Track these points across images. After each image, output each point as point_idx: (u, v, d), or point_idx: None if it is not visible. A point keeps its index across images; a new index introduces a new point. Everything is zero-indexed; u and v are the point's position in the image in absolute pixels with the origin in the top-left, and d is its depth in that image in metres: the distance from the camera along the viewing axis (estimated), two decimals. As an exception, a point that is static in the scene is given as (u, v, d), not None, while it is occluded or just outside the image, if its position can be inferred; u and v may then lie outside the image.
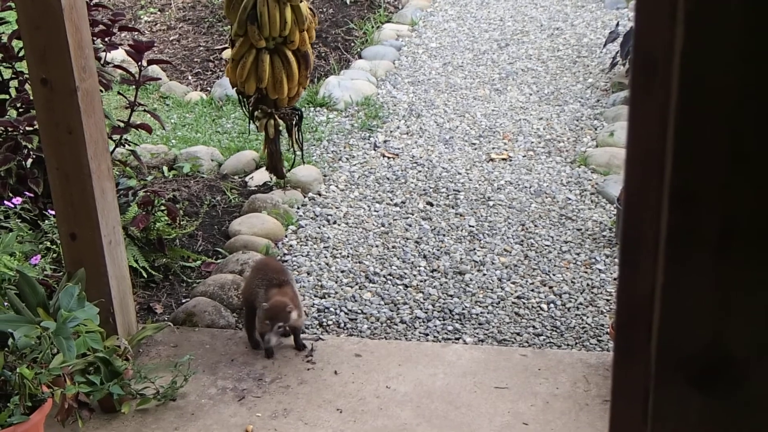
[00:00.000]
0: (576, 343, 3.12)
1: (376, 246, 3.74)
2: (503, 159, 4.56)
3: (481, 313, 3.30)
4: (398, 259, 3.65)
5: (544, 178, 4.34)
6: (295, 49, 3.60)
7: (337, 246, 3.74)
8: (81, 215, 2.70)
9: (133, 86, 3.54)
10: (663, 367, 0.72)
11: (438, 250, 3.71)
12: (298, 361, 2.95)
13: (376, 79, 5.62)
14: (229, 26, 3.68)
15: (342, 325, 3.24)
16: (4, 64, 3.37)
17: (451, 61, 5.96)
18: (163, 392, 2.72)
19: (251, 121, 3.85)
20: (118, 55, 4.77)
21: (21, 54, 3.15)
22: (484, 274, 3.54)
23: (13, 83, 3.42)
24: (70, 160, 2.63)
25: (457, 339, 3.15)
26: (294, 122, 3.83)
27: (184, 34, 6.36)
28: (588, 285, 3.47)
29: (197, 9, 6.67)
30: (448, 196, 4.16)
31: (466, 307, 3.33)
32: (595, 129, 4.87)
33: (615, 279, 3.49)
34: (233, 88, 3.76)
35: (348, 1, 6.73)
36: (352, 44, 6.20)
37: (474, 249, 3.72)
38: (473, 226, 3.90)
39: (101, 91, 2.90)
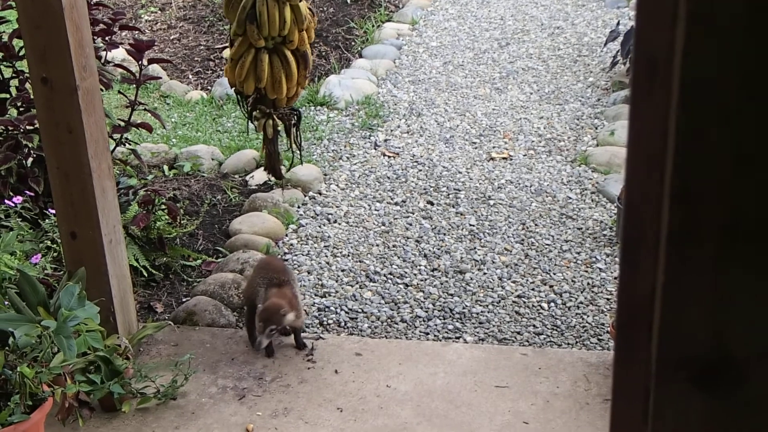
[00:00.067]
0: (576, 342, 3.12)
1: (377, 245, 3.74)
2: (504, 158, 4.56)
3: (482, 312, 3.30)
4: (399, 258, 3.65)
5: (544, 177, 4.34)
6: (294, 48, 3.60)
7: (337, 245, 3.74)
8: (81, 214, 2.70)
9: (134, 85, 3.54)
10: (663, 367, 0.72)
11: (438, 249, 3.71)
12: (299, 360, 2.95)
13: (376, 78, 5.62)
14: (229, 25, 3.68)
15: (342, 324, 3.24)
16: (4, 63, 3.37)
17: (452, 60, 5.96)
18: (163, 391, 2.72)
19: (249, 121, 3.85)
20: (119, 54, 4.77)
21: (21, 53, 3.15)
22: (485, 273, 3.54)
23: (14, 82, 3.42)
24: (70, 159, 2.63)
25: (458, 338, 3.15)
26: (293, 122, 3.84)
27: (185, 33, 6.36)
28: (588, 284, 3.47)
29: (198, 8, 6.67)
30: (448, 195, 4.16)
31: (466, 306, 3.33)
32: (596, 128, 4.86)
33: (615, 278, 3.49)
34: (232, 87, 3.76)
35: (349, 0, 6.73)
36: (353, 43, 6.19)
37: (474, 248, 3.72)
38: (474, 225, 3.90)
39: (102, 90, 2.90)
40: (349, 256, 3.67)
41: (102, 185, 2.71)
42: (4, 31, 3.45)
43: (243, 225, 3.79)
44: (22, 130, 3.23)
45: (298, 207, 4.05)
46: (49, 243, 3.07)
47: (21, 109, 3.35)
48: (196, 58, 6.01)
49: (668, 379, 0.72)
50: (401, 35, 6.43)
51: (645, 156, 0.70)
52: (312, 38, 3.68)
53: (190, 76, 5.80)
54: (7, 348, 2.32)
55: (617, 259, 3.59)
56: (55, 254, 3.03)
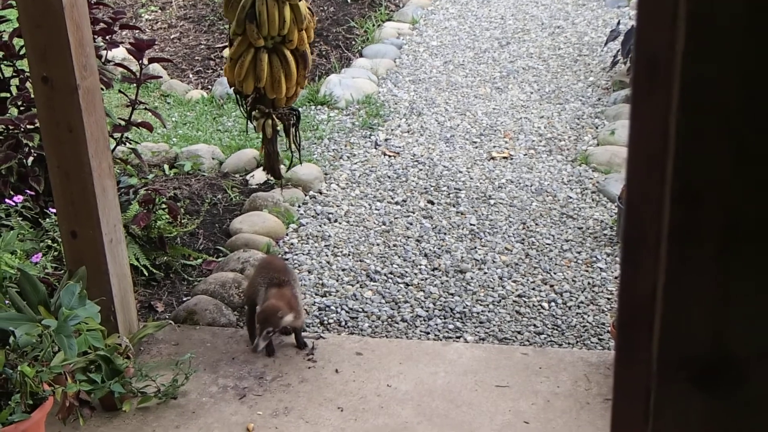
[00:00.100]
0: (577, 342, 3.12)
1: (377, 244, 3.74)
2: (504, 157, 4.56)
3: (482, 311, 3.30)
4: (399, 257, 3.65)
5: (545, 176, 4.34)
6: (294, 48, 3.60)
7: (338, 244, 3.74)
8: (82, 213, 2.70)
9: (134, 84, 3.54)
10: (664, 367, 0.72)
11: (439, 248, 3.71)
12: (299, 360, 2.95)
13: (377, 78, 5.62)
14: (228, 25, 3.67)
15: (343, 323, 3.24)
16: (5, 62, 3.37)
17: (452, 60, 5.96)
18: (164, 390, 2.72)
19: (248, 121, 3.85)
20: (119, 53, 4.77)
21: (22, 52, 3.15)
22: (485, 273, 3.54)
23: (14, 81, 3.42)
24: (71, 158, 2.63)
25: (458, 337, 3.15)
26: (291, 122, 3.83)
27: (185, 32, 6.36)
28: (589, 283, 3.47)
29: (198, 7, 6.67)
30: (449, 194, 4.16)
31: (467, 305, 3.33)
32: (596, 127, 4.86)
33: (616, 278, 3.49)
34: (231, 87, 3.76)
35: (349, 0, 6.73)
36: (353, 42, 6.19)
37: (475, 247, 3.72)
38: (474, 225, 3.90)
39: (102, 89, 2.90)
40: (349, 255, 3.67)
41: (102, 184, 2.71)
42: (4, 30, 3.45)
43: (243, 224, 3.79)
44: (22, 129, 3.23)
45: (299, 206, 4.05)
46: (49, 242, 3.07)
47: (21, 108, 3.35)
48: (196, 58, 6.01)
49: (669, 379, 0.72)
50: (402, 34, 6.43)
51: (645, 156, 0.70)
52: (311, 38, 3.68)
53: (191, 76, 5.80)
54: (7, 347, 2.32)
55: (618, 259, 3.59)
56: (56, 253, 3.04)
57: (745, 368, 0.70)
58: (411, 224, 3.90)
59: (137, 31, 4.67)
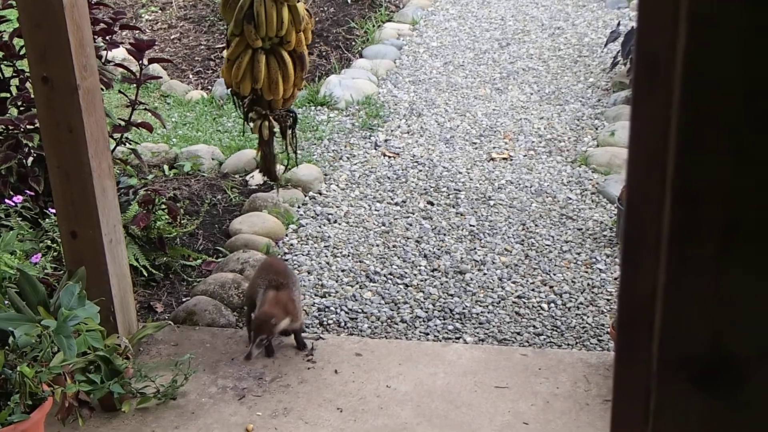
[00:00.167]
0: (576, 343, 3.12)
1: (377, 245, 3.74)
2: (504, 158, 4.56)
3: (482, 312, 3.30)
4: (399, 258, 3.65)
5: (544, 177, 4.34)
6: (292, 50, 3.59)
7: (337, 245, 3.74)
8: (82, 214, 2.70)
9: (134, 85, 3.54)
10: (664, 367, 0.72)
11: (438, 249, 3.71)
12: (299, 360, 2.95)
13: (377, 78, 5.62)
14: (227, 26, 3.67)
15: (342, 324, 3.24)
16: (5, 62, 3.37)
17: (452, 61, 5.96)
18: (163, 391, 2.72)
19: (245, 123, 3.84)
20: (119, 53, 4.77)
21: (22, 52, 3.15)
22: (485, 274, 3.54)
23: (14, 81, 3.42)
24: (70, 158, 2.63)
25: (458, 338, 3.15)
26: (288, 124, 3.83)
27: (185, 32, 6.36)
28: (588, 284, 3.47)
29: (198, 7, 6.67)
30: (448, 195, 4.16)
31: (466, 306, 3.33)
32: (596, 128, 4.86)
33: (616, 279, 3.49)
34: (228, 88, 3.75)
35: (349, 0, 6.73)
36: (353, 43, 6.19)
37: (474, 248, 3.72)
38: (474, 226, 3.90)
39: (102, 89, 2.90)
40: (349, 256, 3.67)
41: (102, 185, 2.71)
42: (4, 30, 3.44)
43: (243, 225, 3.79)
44: (22, 130, 3.23)
45: (299, 207, 4.05)
46: (49, 242, 3.07)
47: (21, 108, 3.35)
48: (196, 58, 6.01)
49: (669, 379, 0.72)
50: (402, 35, 6.43)
51: (646, 156, 0.70)
52: (309, 39, 3.67)
53: (191, 76, 5.80)
54: (7, 347, 2.32)
55: (617, 260, 3.60)
56: (56, 254, 3.03)
57: (745, 368, 0.70)
58: (410, 225, 3.90)
59: (137, 31, 4.67)
